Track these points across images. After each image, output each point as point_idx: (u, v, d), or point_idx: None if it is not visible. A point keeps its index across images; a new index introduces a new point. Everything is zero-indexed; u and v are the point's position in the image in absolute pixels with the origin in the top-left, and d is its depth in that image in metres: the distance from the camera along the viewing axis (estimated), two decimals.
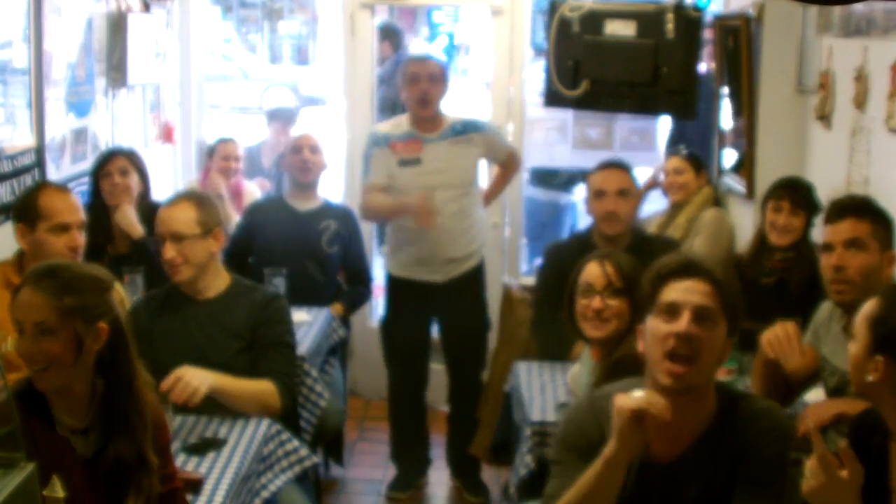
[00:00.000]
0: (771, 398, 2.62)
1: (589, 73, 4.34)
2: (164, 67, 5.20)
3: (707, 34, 4.76)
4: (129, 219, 3.95)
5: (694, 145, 5.13)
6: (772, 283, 3.79)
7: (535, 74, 5.72)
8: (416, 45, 13.47)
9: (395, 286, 4.38)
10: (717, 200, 4.72)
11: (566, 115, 5.94)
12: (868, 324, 2.12)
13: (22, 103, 3.72)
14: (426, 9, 16.12)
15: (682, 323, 2.13)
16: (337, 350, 4.23)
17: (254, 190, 5.32)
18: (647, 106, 4.44)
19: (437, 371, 4.65)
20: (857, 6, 3.50)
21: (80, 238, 3.24)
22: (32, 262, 3.16)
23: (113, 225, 3.97)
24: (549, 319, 3.59)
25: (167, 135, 5.32)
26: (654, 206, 5.10)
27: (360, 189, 4.37)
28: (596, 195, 3.68)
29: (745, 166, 4.47)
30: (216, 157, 5.16)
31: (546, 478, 2.34)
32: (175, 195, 3.39)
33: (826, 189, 3.83)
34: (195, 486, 2.54)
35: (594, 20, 4.32)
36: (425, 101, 4.13)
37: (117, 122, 4.67)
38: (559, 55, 4.40)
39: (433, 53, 6.25)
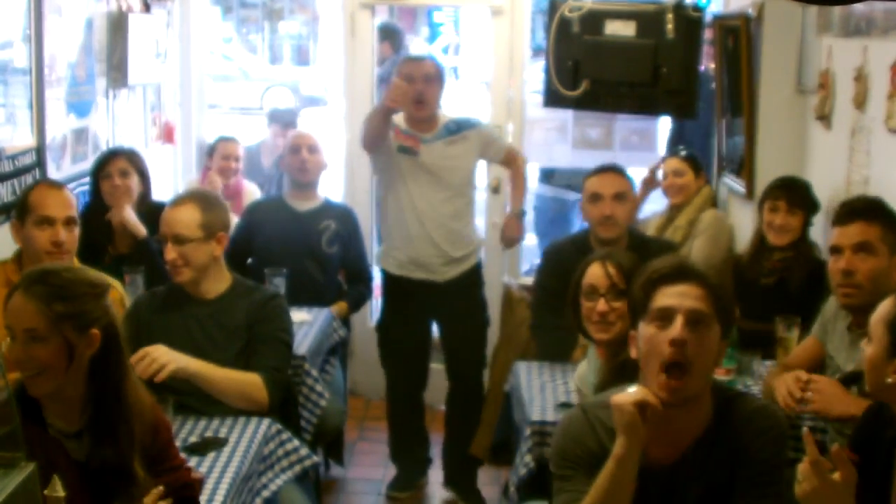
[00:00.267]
0: None
1: (589, 73, 4.34)
2: (164, 67, 5.20)
3: (707, 34, 4.75)
4: (132, 219, 3.95)
5: (694, 145, 5.13)
6: (771, 283, 3.79)
7: (534, 74, 5.72)
8: (416, 45, 13.45)
9: (393, 285, 4.37)
10: (716, 201, 4.72)
11: (566, 116, 5.93)
12: (886, 326, 2.10)
13: (22, 103, 3.73)
14: (426, 9, 16.09)
15: (676, 328, 2.11)
16: (337, 350, 4.23)
17: (253, 190, 5.30)
18: (647, 106, 4.45)
19: (437, 371, 4.66)
20: (857, 6, 3.50)
21: (65, 234, 3.15)
22: (28, 260, 3.16)
23: (113, 225, 3.97)
24: (548, 322, 3.59)
25: (167, 135, 5.32)
26: (653, 206, 5.09)
27: (359, 188, 4.36)
28: (592, 199, 3.65)
29: (744, 166, 4.47)
30: (216, 155, 5.14)
31: (547, 479, 2.34)
32: (181, 195, 3.31)
33: (826, 189, 3.84)
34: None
35: (594, 20, 4.32)
36: (420, 102, 4.10)
37: (118, 123, 4.67)
38: (559, 55, 4.40)
39: (432, 54, 6.25)
